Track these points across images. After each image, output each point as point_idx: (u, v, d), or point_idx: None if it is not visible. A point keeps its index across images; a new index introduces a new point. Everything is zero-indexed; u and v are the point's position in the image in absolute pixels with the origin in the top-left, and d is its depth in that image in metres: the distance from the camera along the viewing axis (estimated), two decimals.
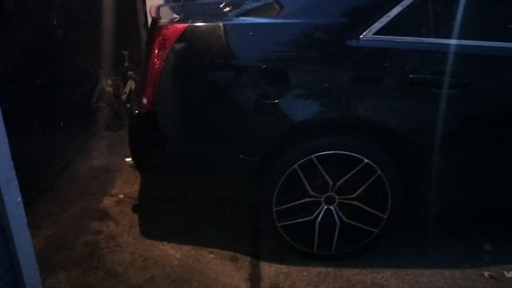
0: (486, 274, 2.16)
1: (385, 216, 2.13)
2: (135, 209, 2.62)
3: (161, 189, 2.79)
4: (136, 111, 2.15)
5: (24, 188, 2.72)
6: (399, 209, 2.13)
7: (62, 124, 3.85)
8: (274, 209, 2.11)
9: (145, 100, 2.08)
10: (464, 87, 1.93)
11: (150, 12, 2.52)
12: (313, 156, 2.00)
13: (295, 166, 2.01)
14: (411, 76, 1.92)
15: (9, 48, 4.29)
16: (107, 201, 2.69)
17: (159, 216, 2.55)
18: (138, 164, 2.22)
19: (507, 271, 2.18)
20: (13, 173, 1.35)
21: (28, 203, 2.53)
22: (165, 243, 2.32)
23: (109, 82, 4.09)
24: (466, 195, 2.17)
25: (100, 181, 2.92)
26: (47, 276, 2.05)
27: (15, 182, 1.36)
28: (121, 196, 2.75)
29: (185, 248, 2.29)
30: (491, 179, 2.10)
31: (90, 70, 4.44)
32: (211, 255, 2.25)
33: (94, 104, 4.28)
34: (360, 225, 2.15)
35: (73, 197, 2.74)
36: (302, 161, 2.01)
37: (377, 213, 2.12)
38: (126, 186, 2.86)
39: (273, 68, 1.94)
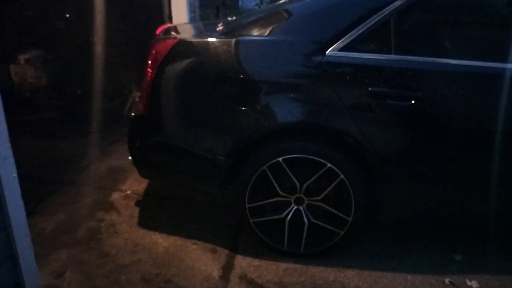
0: (446, 280, 2.25)
1: (350, 219, 2.29)
2: (138, 203, 2.95)
3: (164, 187, 3.13)
4: (133, 114, 2.49)
5: (47, 182, 3.16)
6: (363, 212, 2.29)
7: (93, 130, 4.31)
8: (247, 206, 2.34)
9: (140, 105, 2.42)
10: (418, 100, 2.09)
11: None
12: (280, 158, 2.22)
13: (264, 167, 2.25)
14: (369, 89, 2.11)
15: (56, 63, 4.86)
16: (115, 196, 3.04)
17: (157, 210, 2.85)
18: (134, 160, 2.55)
19: (470, 280, 2.26)
20: (9, 152, 1.68)
21: (48, 195, 2.97)
22: (157, 233, 2.61)
23: (138, 94, 4.52)
24: (423, 202, 2.29)
25: (113, 179, 3.29)
26: (51, 252, 2.40)
27: (11, 159, 1.69)
28: (128, 192, 3.09)
29: (173, 238, 2.56)
30: (445, 187, 2.21)
31: (124, 83, 4.92)
32: (194, 246, 2.50)
33: (126, 114, 4.74)
34: (326, 226, 2.33)
35: (88, 191, 3.11)
36: (270, 162, 2.24)
37: (342, 215, 2.30)
38: (135, 184, 3.20)
39: (246, 79, 2.20)
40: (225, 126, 2.27)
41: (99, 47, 4.78)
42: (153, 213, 2.84)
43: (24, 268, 1.83)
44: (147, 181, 3.22)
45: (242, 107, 2.20)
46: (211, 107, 2.27)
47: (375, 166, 2.20)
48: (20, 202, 1.78)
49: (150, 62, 2.34)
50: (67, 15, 4.83)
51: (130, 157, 2.64)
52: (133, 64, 4.81)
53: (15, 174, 1.73)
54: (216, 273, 2.29)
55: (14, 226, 1.74)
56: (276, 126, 2.22)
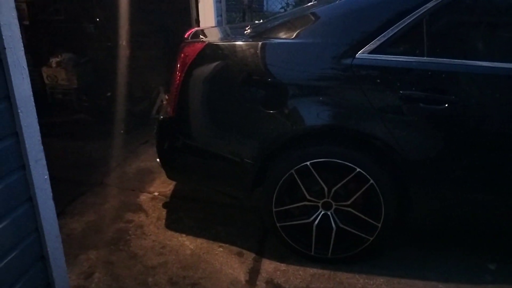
0: None
1: (379, 225, 2.24)
2: (165, 205, 2.97)
3: (190, 190, 3.14)
4: (161, 116, 2.51)
5: (77, 183, 3.21)
6: (393, 218, 2.24)
7: (122, 131, 4.38)
8: (274, 209, 2.32)
9: (169, 108, 2.44)
10: (451, 104, 2.03)
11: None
12: (308, 162, 2.19)
13: (292, 171, 2.22)
14: (401, 92, 2.06)
15: (87, 65, 4.97)
16: (143, 197, 3.07)
17: (184, 212, 2.87)
18: (161, 163, 2.57)
19: None
20: (41, 154, 1.72)
21: (78, 196, 3.02)
22: (183, 235, 2.62)
23: (166, 96, 4.58)
24: (455, 208, 2.22)
25: (141, 180, 3.32)
26: (80, 252, 2.44)
27: (43, 161, 1.72)
28: (156, 193, 3.12)
29: (199, 241, 2.57)
30: (479, 192, 2.14)
31: (153, 86, 4.98)
32: (220, 249, 2.50)
33: (154, 116, 4.80)
34: (355, 232, 2.29)
35: (116, 192, 3.15)
36: (298, 166, 2.21)
37: (371, 221, 2.25)
38: (163, 186, 3.23)
39: (274, 82, 2.19)
40: (253, 129, 2.26)
41: (127, 50, 4.86)
42: (180, 215, 2.85)
43: (55, 269, 1.87)
44: (174, 183, 3.25)
45: (270, 110, 2.18)
46: (239, 110, 2.26)
47: (406, 171, 2.15)
48: (51, 204, 1.81)
49: (179, 65, 2.35)
50: (97, 19, 4.92)
51: (158, 160, 2.66)
52: (161, 67, 4.88)
53: (46, 176, 1.77)
54: (242, 277, 2.28)
55: (45, 227, 1.77)
56: (304, 129, 2.20)
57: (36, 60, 4.85)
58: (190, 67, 2.31)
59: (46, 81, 4.89)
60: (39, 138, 1.70)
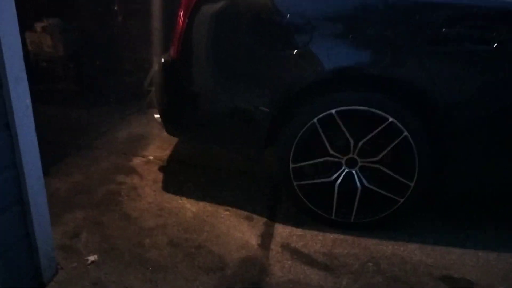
0: None
1: (412, 184, 1.97)
2: (161, 169, 2.65)
3: (190, 155, 2.84)
4: (163, 60, 2.19)
5: (62, 146, 2.88)
6: (428, 176, 1.97)
7: (111, 100, 4.04)
8: (291, 166, 2.03)
9: (171, 51, 2.13)
10: (501, 43, 1.76)
11: None
12: (333, 110, 1.91)
13: (314, 120, 1.94)
14: (443, 30, 1.79)
15: (75, 32, 4.61)
16: (136, 161, 2.74)
17: (183, 176, 2.55)
18: (162, 116, 2.25)
19: None
20: (24, 75, 1.40)
21: (63, 157, 2.69)
22: (184, 198, 2.31)
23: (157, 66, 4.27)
24: (499, 171, 1.96)
25: (134, 145, 2.99)
26: (65, 212, 2.11)
27: (25, 83, 1.40)
28: (151, 157, 2.80)
29: (202, 204, 2.26)
30: None
31: (145, 56, 4.63)
32: (227, 213, 2.20)
33: (146, 88, 4.45)
34: (384, 192, 2.01)
35: (106, 155, 2.82)
36: (321, 115, 1.93)
37: (403, 179, 1.97)
38: (158, 150, 2.91)
39: (295, 18, 1.89)
40: (270, 72, 1.96)
41: (120, 18, 4.52)
42: (179, 179, 2.53)
43: (35, 217, 1.54)
44: (170, 148, 2.93)
45: (290, 50, 1.89)
46: (253, 51, 1.97)
47: (445, 123, 1.88)
48: (33, 135, 1.48)
49: (182, 9, 2.03)
50: None
51: (156, 116, 2.36)
52: (156, 37, 4.55)
53: (28, 101, 1.44)
54: (254, 241, 1.98)
55: (25, 164, 1.44)
56: (328, 72, 1.90)
57: (19, 24, 4.47)
58: (194, 9, 2.00)
59: (30, 48, 4.51)
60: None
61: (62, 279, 1.68)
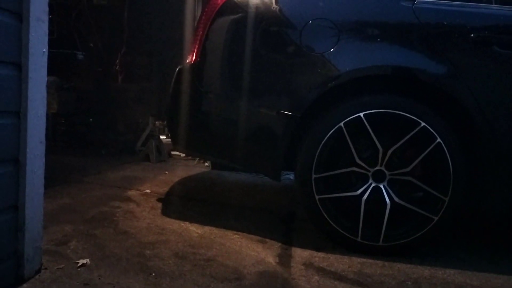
0: None
1: (447, 199, 1.79)
2: (160, 200, 2.40)
3: (191, 191, 2.62)
4: (180, 67, 2.10)
5: (51, 179, 2.65)
6: (463, 190, 1.80)
7: (103, 152, 3.85)
8: (314, 176, 1.84)
9: (189, 58, 2.05)
10: None
11: None
12: (361, 114, 1.79)
13: (341, 124, 1.80)
14: (472, 35, 1.78)
15: (70, 92, 4.54)
16: (132, 192, 2.50)
17: (184, 207, 2.31)
18: (171, 127, 2.10)
19: None
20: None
21: (51, 186, 2.45)
22: (187, 222, 2.05)
23: (156, 123, 4.19)
24: None
25: (129, 182, 2.76)
26: (51, 225, 1.82)
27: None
28: (147, 191, 2.56)
29: (208, 228, 2.00)
30: None
31: (141, 117, 4.54)
32: (236, 236, 1.93)
33: (138, 148, 4.29)
34: (416, 209, 1.81)
35: (99, 187, 2.57)
36: (349, 118, 1.80)
37: (437, 193, 1.79)
38: (155, 187, 2.67)
39: (321, 20, 1.87)
40: (294, 74, 1.88)
41: (118, 82, 4.52)
42: (179, 208, 2.28)
43: (29, 180, 1.29)
44: (168, 186, 2.71)
45: (319, 51, 1.83)
46: (275, 52, 1.90)
47: (480, 129, 1.77)
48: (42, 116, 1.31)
49: (204, 16, 2.02)
50: (91, 45, 4.64)
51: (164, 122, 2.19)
52: (153, 100, 4.52)
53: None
54: (271, 259, 1.71)
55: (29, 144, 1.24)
56: (358, 74, 1.83)
57: None
58: (216, 15, 1.98)
59: None
60: None
61: (46, 277, 1.36)
